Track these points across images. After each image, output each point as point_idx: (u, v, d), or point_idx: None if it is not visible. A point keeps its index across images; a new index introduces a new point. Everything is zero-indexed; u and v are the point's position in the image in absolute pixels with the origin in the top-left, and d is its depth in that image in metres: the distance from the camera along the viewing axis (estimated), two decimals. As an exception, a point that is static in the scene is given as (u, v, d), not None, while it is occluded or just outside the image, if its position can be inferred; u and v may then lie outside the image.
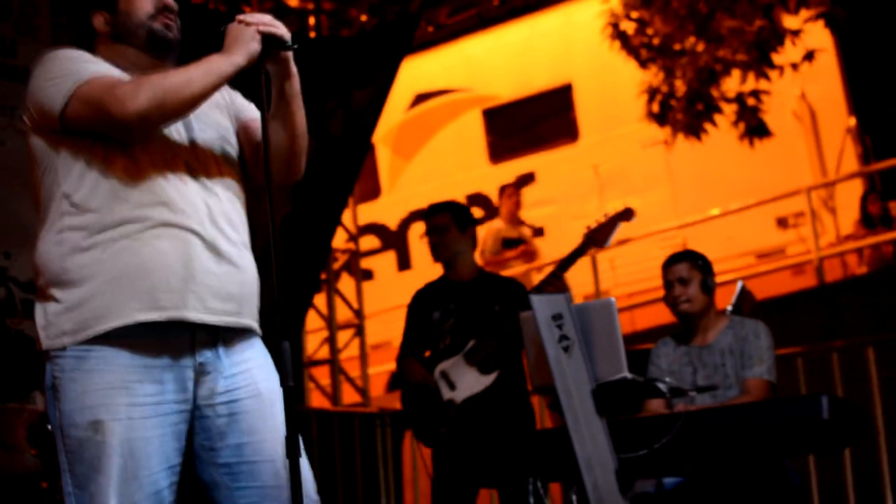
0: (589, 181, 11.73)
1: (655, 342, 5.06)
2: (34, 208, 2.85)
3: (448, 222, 5.47)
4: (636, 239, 10.38)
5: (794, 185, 10.43)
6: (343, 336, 9.30)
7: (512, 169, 12.04)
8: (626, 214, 5.03)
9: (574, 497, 3.87)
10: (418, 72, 11.91)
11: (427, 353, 5.41)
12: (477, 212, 9.56)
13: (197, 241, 2.76)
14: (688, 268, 4.89)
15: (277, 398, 2.73)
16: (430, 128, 12.93)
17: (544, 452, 4.17)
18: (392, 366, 10.11)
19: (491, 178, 11.20)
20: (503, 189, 10.60)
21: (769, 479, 4.40)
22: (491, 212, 10.21)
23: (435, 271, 5.55)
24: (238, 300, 2.83)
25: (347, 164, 8.26)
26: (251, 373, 2.86)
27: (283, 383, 2.64)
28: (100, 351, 2.70)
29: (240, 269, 2.84)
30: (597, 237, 5.01)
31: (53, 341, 2.73)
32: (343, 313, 9.32)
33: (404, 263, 12.69)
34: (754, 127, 9.32)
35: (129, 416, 2.68)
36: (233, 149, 2.97)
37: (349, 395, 9.21)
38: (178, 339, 2.77)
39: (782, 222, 11.17)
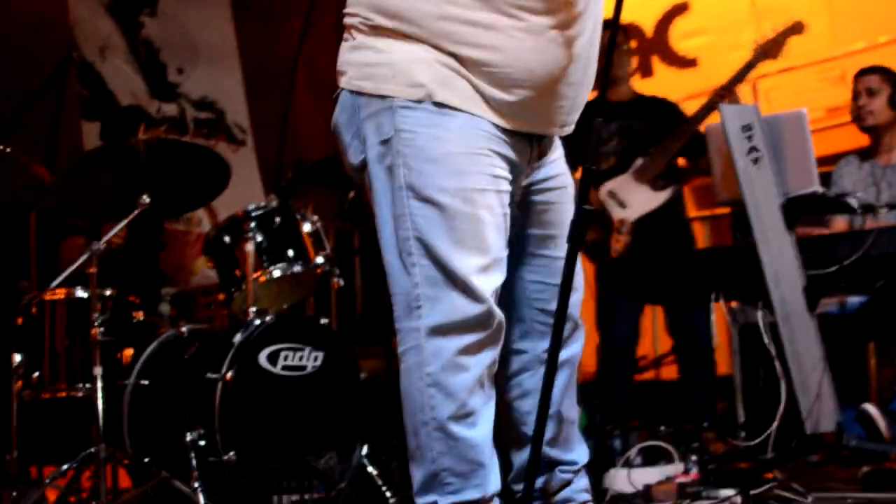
0: (745, 11, 11.33)
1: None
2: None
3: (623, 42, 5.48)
4: (794, 69, 10.02)
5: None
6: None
7: (665, -3, 11.72)
8: (796, 28, 5.00)
9: (759, 314, 3.79)
10: None
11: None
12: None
13: (581, 50, 2.54)
14: (878, 80, 4.77)
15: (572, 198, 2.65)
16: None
17: (726, 270, 4.08)
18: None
19: (642, 6, 10.87)
20: None
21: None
22: (643, 42, 9.92)
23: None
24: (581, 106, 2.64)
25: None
26: (560, 163, 2.70)
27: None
28: (464, 114, 2.47)
29: (591, 75, 2.64)
30: (768, 50, 4.99)
31: (409, 91, 2.46)
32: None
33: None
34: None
35: (492, 187, 2.48)
36: None
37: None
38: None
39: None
